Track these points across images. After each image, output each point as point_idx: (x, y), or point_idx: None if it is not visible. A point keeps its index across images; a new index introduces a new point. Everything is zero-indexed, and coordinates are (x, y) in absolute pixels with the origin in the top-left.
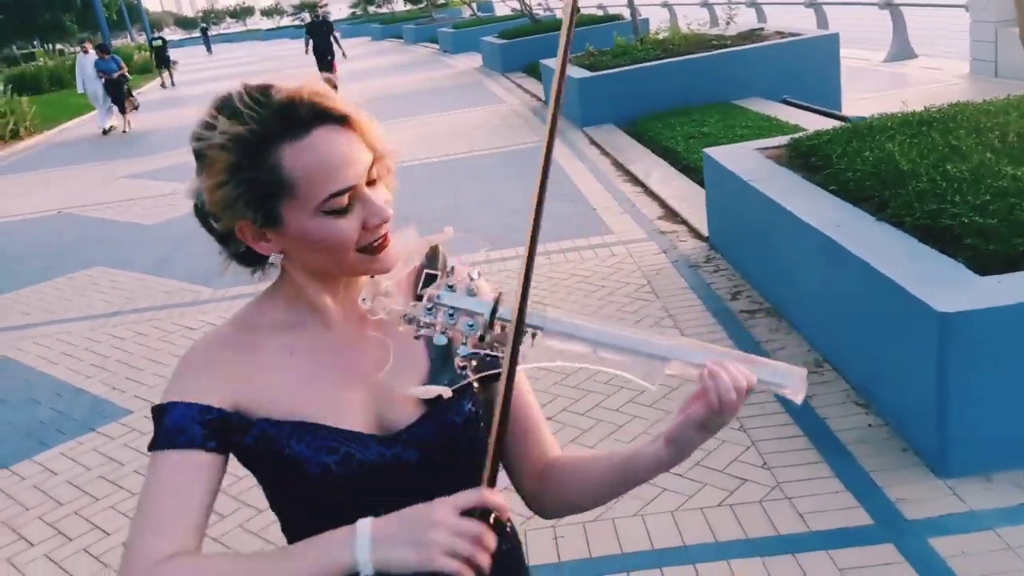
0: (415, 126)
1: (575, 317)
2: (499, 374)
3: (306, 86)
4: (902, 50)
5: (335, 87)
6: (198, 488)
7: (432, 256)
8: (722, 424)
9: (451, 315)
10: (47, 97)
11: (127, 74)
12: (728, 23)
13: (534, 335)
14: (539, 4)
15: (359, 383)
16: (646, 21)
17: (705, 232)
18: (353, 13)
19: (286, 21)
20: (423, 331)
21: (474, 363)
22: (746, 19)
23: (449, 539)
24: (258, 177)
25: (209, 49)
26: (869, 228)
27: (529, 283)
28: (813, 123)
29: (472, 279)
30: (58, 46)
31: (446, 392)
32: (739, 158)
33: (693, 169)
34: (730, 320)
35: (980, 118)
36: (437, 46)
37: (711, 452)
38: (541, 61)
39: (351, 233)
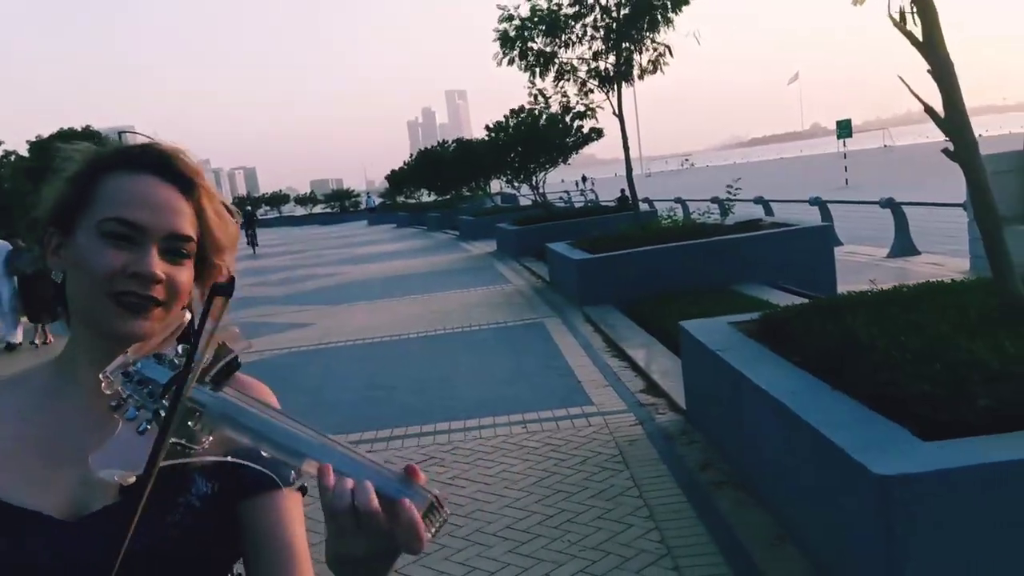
0: (425, 301)
1: (245, 401)
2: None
3: (174, 145)
4: (905, 247)
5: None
6: None
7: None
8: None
9: (140, 384)
10: None
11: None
12: (727, 214)
13: (198, 413)
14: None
15: (74, 463)
16: (654, 212)
17: (684, 405)
18: (383, 202)
19: (318, 208)
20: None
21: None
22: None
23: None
24: (83, 186)
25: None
26: (824, 396)
27: (194, 363)
28: None
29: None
30: None
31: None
32: (711, 331)
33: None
34: (696, 492)
35: (944, 296)
36: (458, 232)
37: None
38: (548, 244)
39: (109, 264)
